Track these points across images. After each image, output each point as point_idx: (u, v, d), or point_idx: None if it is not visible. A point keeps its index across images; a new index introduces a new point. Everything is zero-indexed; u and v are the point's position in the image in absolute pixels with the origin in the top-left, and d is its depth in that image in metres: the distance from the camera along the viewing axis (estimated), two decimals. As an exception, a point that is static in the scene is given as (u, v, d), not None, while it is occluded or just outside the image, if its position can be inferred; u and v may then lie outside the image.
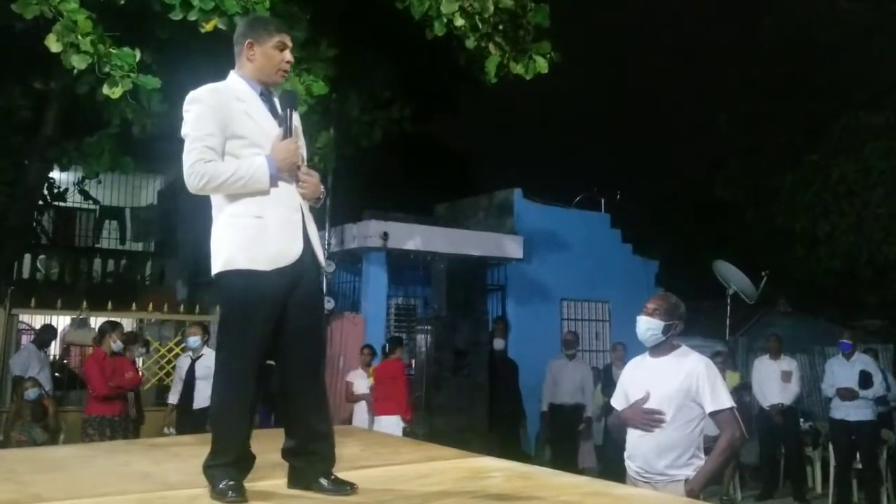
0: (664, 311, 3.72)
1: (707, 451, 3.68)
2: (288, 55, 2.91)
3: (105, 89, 5.85)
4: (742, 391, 8.91)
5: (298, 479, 2.87)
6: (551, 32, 7.02)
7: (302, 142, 2.96)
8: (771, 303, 13.01)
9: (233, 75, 2.91)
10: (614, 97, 20.78)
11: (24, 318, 9.60)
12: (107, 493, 2.90)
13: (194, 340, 7.29)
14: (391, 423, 7.70)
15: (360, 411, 8.60)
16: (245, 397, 2.73)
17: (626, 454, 3.82)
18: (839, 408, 8.23)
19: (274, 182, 2.77)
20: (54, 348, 9.81)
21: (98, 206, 14.84)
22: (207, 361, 6.67)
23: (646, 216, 15.65)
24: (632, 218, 12.69)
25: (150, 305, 9.08)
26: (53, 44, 5.60)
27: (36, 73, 8.75)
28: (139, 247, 16.12)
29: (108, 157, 8.40)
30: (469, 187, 13.73)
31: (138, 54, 5.91)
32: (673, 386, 3.64)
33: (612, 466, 6.50)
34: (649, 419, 3.64)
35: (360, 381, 8.64)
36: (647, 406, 3.68)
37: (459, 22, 6.50)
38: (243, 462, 2.75)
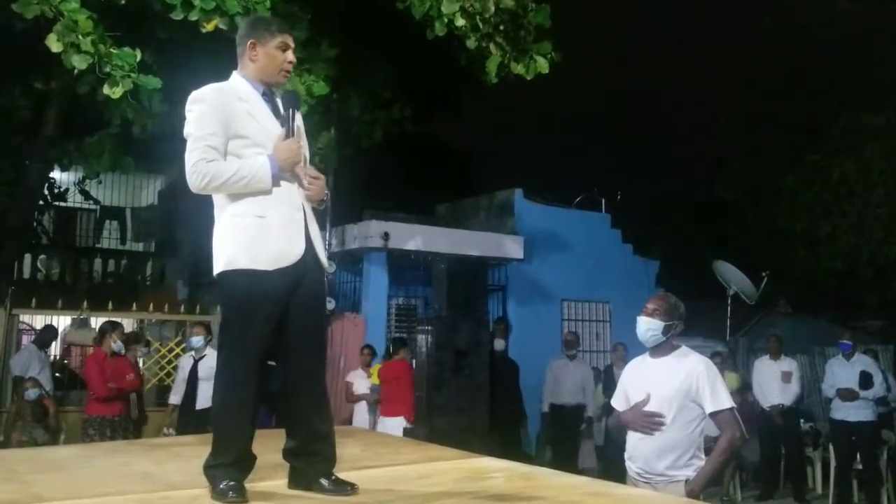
0: (664, 311, 3.73)
1: (707, 451, 3.68)
2: (290, 55, 2.91)
3: (106, 89, 5.85)
4: (745, 391, 8.93)
5: (299, 479, 2.87)
6: (552, 32, 7.02)
7: (304, 142, 2.96)
8: (771, 303, 13.01)
9: (235, 76, 2.91)
10: (615, 97, 20.79)
11: (25, 318, 9.61)
12: (107, 493, 2.90)
13: (197, 340, 7.27)
14: (395, 425, 7.70)
15: (361, 411, 8.61)
16: (246, 397, 2.73)
17: (626, 455, 3.82)
18: (839, 408, 8.23)
19: (276, 182, 2.77)
20: (55, 348, 9.82)
21: (98, 206, 14.83)
22: (210, 362, 6.65)
23: (646, 216, 15.65)
24: (632, 218, 12.68)
25: (151, 306, 9.07)
26: (54, 44, 5.60)
27: (36, 72, 8.75)
28: (140, 247, 16.12)
29: (108, 157, 8.40)
30: (470, 187, 13.74)
31: (139, 54, 5.91)
32: (673, 386, 3.64)
33: (612, 467, 6.51)
34: (649, 422, 3.64)
35: (360, 382, 8.65)
36: (647, 408, 3.68)
37: (460, 22, 6.50)
38: (244, 462, 2.75)
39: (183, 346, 8.81)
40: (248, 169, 2.74)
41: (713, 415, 3.61)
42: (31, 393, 7.25)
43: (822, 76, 13.76)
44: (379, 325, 9.84)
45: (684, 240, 16.74)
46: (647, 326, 3.74)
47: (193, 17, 5.92)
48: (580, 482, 3.39)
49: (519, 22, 6.91)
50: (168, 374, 8.74)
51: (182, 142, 2.80)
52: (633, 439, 3.76)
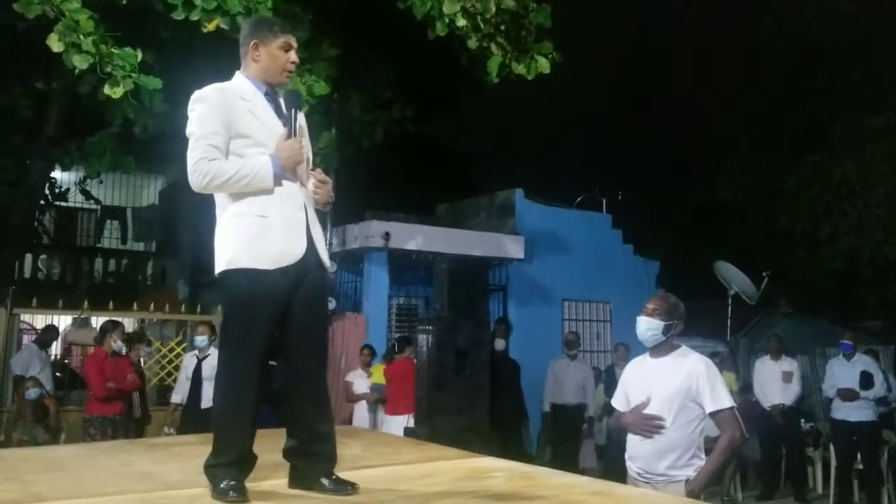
0: (664, 311, 3.73)
1: (707, 451, 3.69)
2: (293, 56, 2.91)
3: (107, 89, 5.85)
4: (746, 391, 8.93)
5: (300, 479, 2.87)
6: (553, 32, 7.03)
7: (307, 141, 2.96)
8: (772, 303, 13.00)
9: (238, 76, 2.91)
10: (615, 97, 20.78)
11: (26, 317, 9.61)
12: (108, 492, 2.90)
13: (202, 340, 7.25)
14: (402, 424, 7.71)
15: (361, 411, 8.61)
16: (247, 397, 2.73)
17: (626, 455, 3.83)
18: (840, 408, 8.23)
19: (278, 181, 2.77)
20: (56, 348, 9.82)
21: (99, 206, 14.86)
22: (214, 361, 6.63)
23: (647, 217, 15.64)
24: (633, 218, 12.68)
25: (152, 305, 9.08)
26: (55, 44, 5.60)
27: (38, 72, 8.77)
28: (140, 247, 16.15)
29: (109, 156, 8.41)
30: (471, 187, 13.74)
31: (140, 54, 5.91)
32: (673, 386, 3.64)
33: (613, 466, 6.51)
34: (649, 425, 3.65)
35: (360, 381, 8.65)
36: (647, 409, 3.68)
37: (461, 22, 6.50)
38: (245, 462, 2.75)
39: (184, 345, 8.82)
40: (249, 168, 2.74)
41: (713, 414, 3.62)
42: (32, 392, 7.25)
43: (822, 76, 13.76)
44: (380, 325, 9.84)
45: (685, 240, 16.73)
46: (647, 326, 3.74)
47: (195, 17, 5.92)
48: (581, 482, 3.39)
49: (520, 22, 6.91)
50: (169, 374, 8.75)
51: (183, 141, 2.80)
52: (634, 440, 3.76)
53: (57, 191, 12.65)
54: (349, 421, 8.33)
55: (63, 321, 9.43)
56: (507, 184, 11.67)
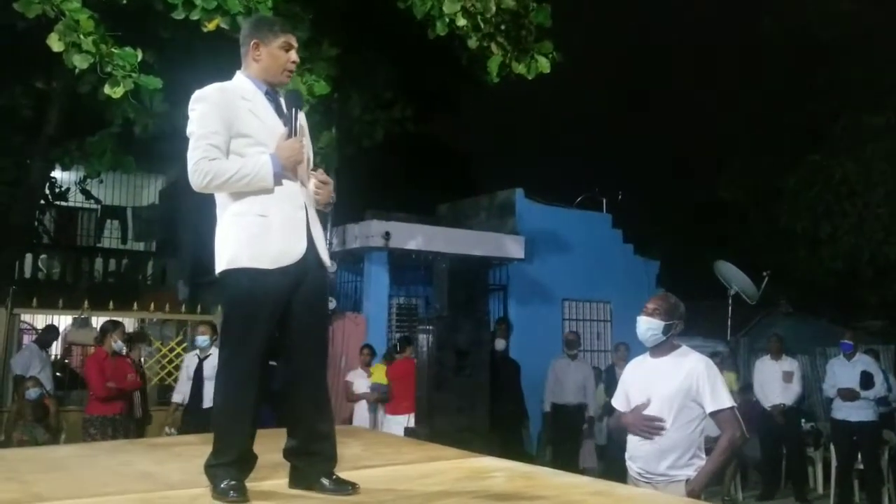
0: (664, 311, 3.73)
1: (708, 451, 3.69)
2: (294, 55, 2.91)
3: (107, 89, 5.85)
4: (746, 391, 8.93)
5: (300, 479, 2.87)
6: (553, 32, 7.03)
7: (308, 141, 2.96)
8: (772, 303, 13.01)
9: (239, 75, 2.91)
10: (615, 97, 20.76)
11: (26, 317, 9.62)
12: (108, 492, 2.90)
13: (203, 340, 7.24)
14: (401, 424, 7.71)
15: (361, 411, 8.61)
16: (247, 396, 2.73)
17: (627, 455, 3.83)
18: (840, 408, 8.22)
19: (278, 180, 2.77)
20: (56, 348, 9.82)
21: (100, 206, 14.86)
22: (215, 361, 6.63)
23: (647, 217, 15.64)
24: (633, 218, 12.68)
25: (152, 305, 9.08)
26: (55, 43, 5.60)
27: (38, 72, 8.77)
28: (141, 246, 16.14)
29: (109, 156, 8.41)
30: (471, 187, 13.73)
31: (140, 54, 5.91)
32: (673, 386, 3.64)
33: (613, 466, 6.50)
34: (649, 427, 3.65)
35: (360, 381, 8.65)
36: (648, 410, 3.68)
37: (461, 22, 6.51)
38: (245, 462, 2.75)
39: (184, 345, 8.82)
40: (250, 167, 2.74)
41: (713, 414, 3.61)
42: (32, 392, 7.25)
43: (822, 76, 13.76)
44: (380, 324, 9.84)
45: (685, 240, 16.72)
46: (648, 326, 3.74)
47: (195, 16, 5.92)
48: (581, 482, 3.39)
49: (520, 22, 6.91)
50: (169, 374, 8.74)
51: (183, 141, 2.80)
52: (634, 440, 3.76)
53: (57, 190, 12.66)
54: (349, 421, 8.33)
55: (63, 321, 9.42)
56: (507, 183, 11.67)
